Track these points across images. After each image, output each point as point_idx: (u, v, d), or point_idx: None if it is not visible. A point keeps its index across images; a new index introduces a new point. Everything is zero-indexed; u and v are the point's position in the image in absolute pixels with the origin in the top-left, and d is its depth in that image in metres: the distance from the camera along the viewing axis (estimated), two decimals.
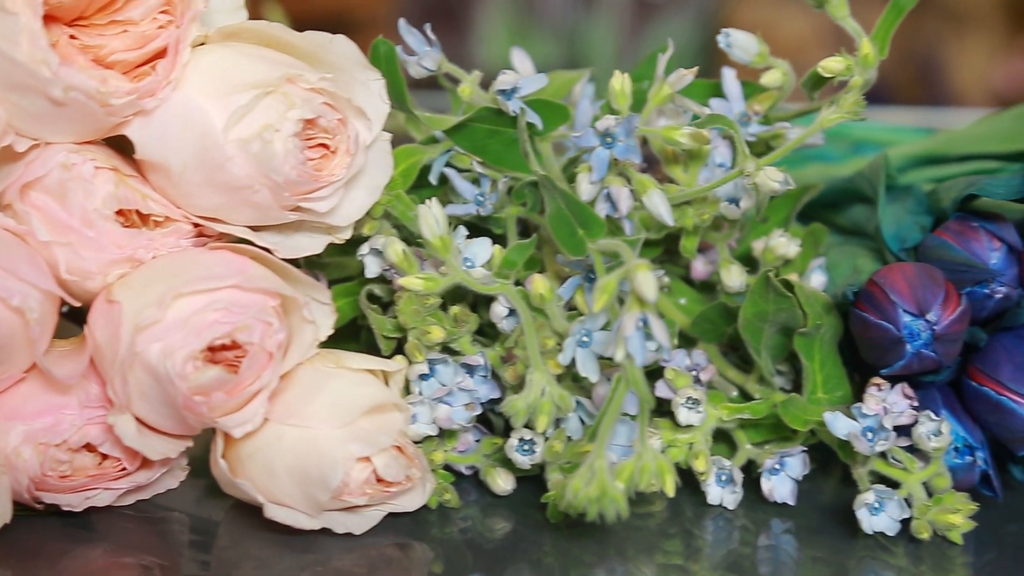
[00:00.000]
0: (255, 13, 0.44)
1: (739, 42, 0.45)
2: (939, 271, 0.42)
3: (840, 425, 0.41)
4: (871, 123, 0.62)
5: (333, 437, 0.40)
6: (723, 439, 0.45)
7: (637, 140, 0.42)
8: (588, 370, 0.41)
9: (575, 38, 2.32)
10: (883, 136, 0.58)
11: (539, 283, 0.41)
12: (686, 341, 0.47)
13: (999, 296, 0.42)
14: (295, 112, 0.40)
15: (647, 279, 0.38)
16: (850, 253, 0.47)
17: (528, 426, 0.42)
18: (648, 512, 0.44)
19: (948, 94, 2.07)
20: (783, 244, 0.46)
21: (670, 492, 0.40)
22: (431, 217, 0.41)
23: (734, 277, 0.46)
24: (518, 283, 0.43)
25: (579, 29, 2.29)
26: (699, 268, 0.48)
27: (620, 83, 0.44)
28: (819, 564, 0.42)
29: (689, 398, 0.43)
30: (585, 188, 0.42)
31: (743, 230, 0.49)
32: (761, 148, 0.48)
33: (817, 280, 0.47)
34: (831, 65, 0.43)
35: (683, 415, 0.43)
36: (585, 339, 0.41)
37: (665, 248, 0.48)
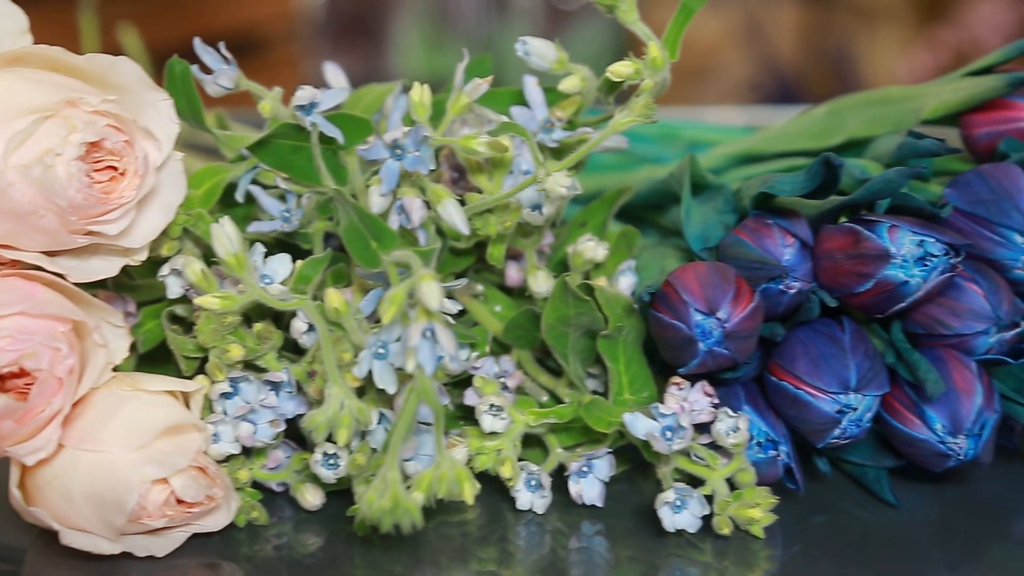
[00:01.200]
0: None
1: (537, 49, 0.46)
2: (731, 269, 0.42)
3: (639, 425, 0.42)
4: (703, 124, 0.63)
5: (128, 460, 0.40)
6: (539, 444, 0.46)
7: (431, 150, 0.43)
8: (385, 382, 0.41)
9: (489, 46, 2.33)
10: (714, 136, 0.59)
11: (333, 297, 0.41)
12: (504, 348, 0.47)
13: (793, 291, 0.43)
14: (77, 136, 0.40)
15: (431, 289, 0.38)
16: (660, 255, 0.48)
17: (332, 440, 0.42)
18: (462, 520, 0.44)
19: (861, 88, 2.09)
20: (591, 248, 0.47)
21: (469, 500, 0.40)
22: (224, 236, 0.41)
23: (540, 283, 0.46)
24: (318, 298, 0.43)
25: (493, 37, 2.30)
26: (513, 275, 0.48)
27: (419, 95, 0.44)
28: (631, 563, 0.42)
29: (492, 405, 0.43)
30: (376, 201, 0.42)
31: (558, 236, 0.49)
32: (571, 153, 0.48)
33: (626, 282, 0.47)
34: (620, 70, 0.44)
35: (487, 422, 0.43)
36: (381, 351, 0.41)
37: (480, 256, 0.48)
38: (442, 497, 0.40)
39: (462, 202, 0.45)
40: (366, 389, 0.43)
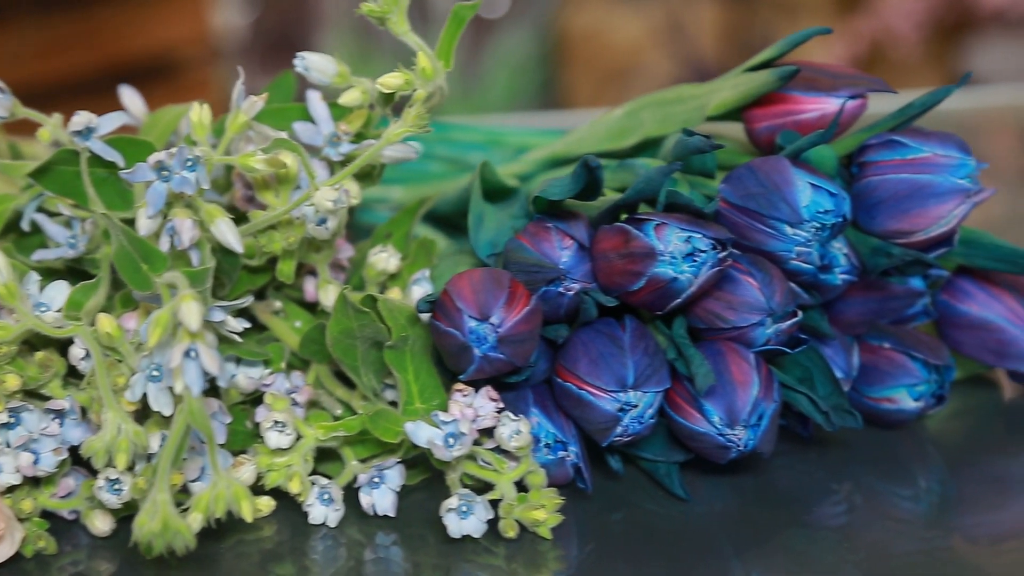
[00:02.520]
0: None
1: (316, 65, 0.46)
2: (507, 274, 0.43)
3: (421, 433, 0.42)
4: (528, 128, 0.63)
5: None
6: (340, 458, 0.46)
7: (204, 170, 0.43)
8: (160, 404, 0.41)
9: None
10: (538, 140, 0.59)
11: (105, 322, 0.41)
12: (307, 363, 0.47)
13: (571, 293, 0.43)
14: None
15: (191, 310, 0.38)
16: (455, 263, 0.48)
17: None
18: (259, 537, 0.44)
19: None
20: (383, 259, 0.47)
21: (248, 518, 0.40)
22: None
23: (331, 297, 0.46)
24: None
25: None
26: (310, 290, 0.48)
27: (198, 114, 0.45)
28: (425, 571, 0.43)
29: (276, 421, 0.43)
30: (143, 223, 0.42)
31: (360, 250, 0.50)
32: (365, 167, 0.48)
33: (419, 292, 0.47)
34: (389, 81, 0.44)
35: (273, 438, 0.43)
36: (155, 373, 0.41)
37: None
38: (220, 516, 0.40)
39: (247, 219, 0.45)
40: (151, 412, 0.43)
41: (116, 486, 0.42)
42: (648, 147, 0.50)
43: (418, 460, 0.46)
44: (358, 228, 0.58)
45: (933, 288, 0.49)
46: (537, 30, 2.40)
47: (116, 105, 0.50)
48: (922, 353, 0.47)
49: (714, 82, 0.49)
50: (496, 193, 0.50)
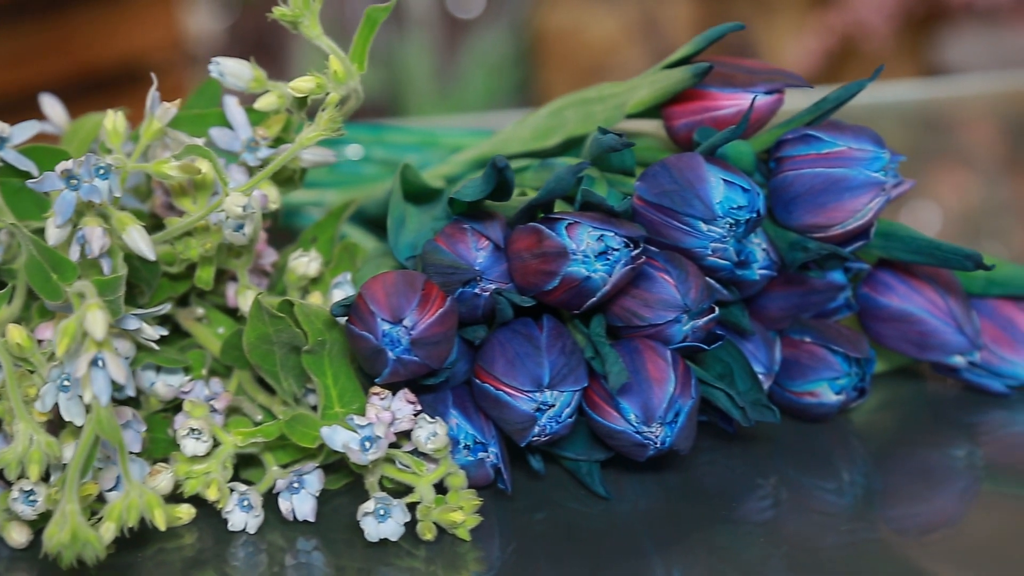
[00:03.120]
0: None
1: (231, 70, 0.46)
2: (421, 276, 0.43)
3: (337, 438, 0.42)
4: (461, 129, 0.63)
5: None
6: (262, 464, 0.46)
7: (116, 178, 0.42)
8: (72, 414, 0.41)
9: (392, 60, 2.33)
10: (470, 141, 0.59)
11: (14, 332, 0.41)
12: (230, 369, 0.47)
13: (487, 294, 0.43)
14: None
15: (96, 318, 0.38)
16: (378, 265, 0.48)
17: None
18: (179, 545, 0.44)
19: None
20: (303, 264, 0.47)
21: (161, 526, 0.40)
22: None
23: (248, 302, 0.46)
24: None
25: (395, 51, 2.30)
26: (231, 296, 0.48)
27: (112, 122, 0.44)
28: (345, 575, 0.43)
29: (192, 428, 0.43)
30: (52, 233, 0.42)
31: (285, 255, 0.49)
32: (286, 172, 0.48)
33: (340, 296, 0.47)
34: (301, 85, 0.44)
35: (189, 446, 0.43)
36: (66, 383, 0.41)
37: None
38: (132, 525, 0.40)
39: (162, 227, 0.45)
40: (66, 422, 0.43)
41: (31, 497, 0.42)
42: (573, 146, 0.50)
43: (340, 465, 0.46)
44: (296, 232, 0.58)
45: (855, 281, 0.49)
46: (513, 29, 2.40)
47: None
48: (842, 346, 0.47)
49: (634, 80, 0.49)
50: (422, 195, 0.50)
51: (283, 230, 0.58)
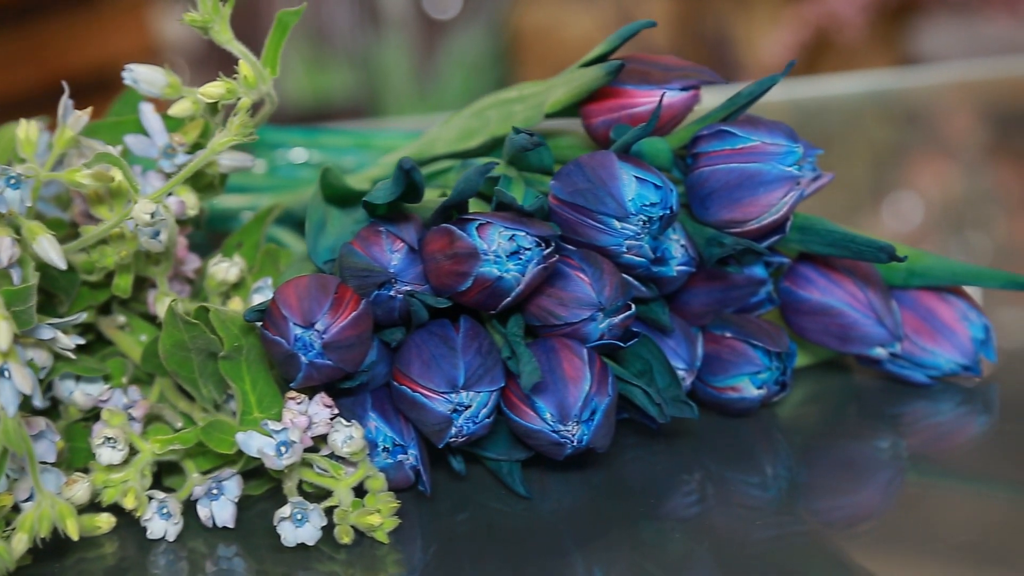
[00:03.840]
0: None
1: (144, 77, 0.46)
2: (333, 279, 0.43)
3: (252, 443, 0.42)
4: (395, 131, 0.63)
5: None
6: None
7: (27, 188, 0.42)
8: None
9: (369, 62, 2.33)
10: (402, 142, 0.59)
11: None
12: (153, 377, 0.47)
13: (402, 296, 0.43)
14: None
15: (0, 329, 0.38)
16: (299, 269, 0.48)
17: None
18: (101, 554, 0.44)
19: (741, 70, 2.12)
20: (222, 269, 0.47)
21: (74, 536, 0.40)
22: None
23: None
24: None
25: (372, 53, 2.30)
26: (151, 303, 0.48)
27: (24, 131, 0.44)
28: None
29: (107, 437, 0.43)
30: None
31: (207, 261, 0.49)
32: (206, 178, 0.48)
33: (259, 301, 0.47)
34: (210, 91, 0.44)
35: (104, 455, 0.43)
36: None
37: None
38: (45, 536, 0.40)
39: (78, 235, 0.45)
40: None
41: None
42: (497, 146, 0.50)
43: (262, 470, 0.46)
44: None
45: (777, 276, 0.49)
46: (490, 29, 2.40)
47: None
48: (762, 341, 0.47)
49: (554, 79, 0.49)
50: (345, 198, 0.50)
51: (221, 236, 0.58)
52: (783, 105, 0.99)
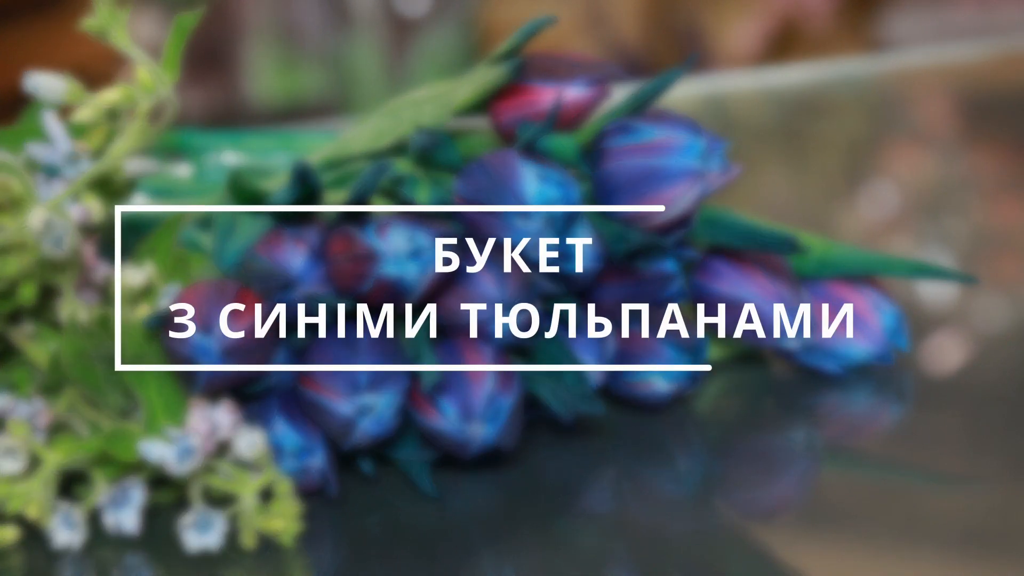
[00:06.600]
0: None
1: (44, 85, 0.46)
2: (233, 284, 0.43)
3: (154, 450, 0.42)
4: (321, 132, 0.63)
5: None
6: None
7: None
8: None
9: (340, 63, 2.33)
10: (320, 143, 0.59)
11: None
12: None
13: (305, 299, 0.43)
14: None
15: None
16: (212, 274, 0.48)
17: None
18: (6, 567, 0.44)
19: (715, 62, 2.12)
20: (128, 276, 0.47)
21: None
22: None
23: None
24: None
25: (342, 53, 2.30)
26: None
27: None
28: None
29: (6, 448, 0.43)
30: None
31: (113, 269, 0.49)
32: (115, 183, 0.48)
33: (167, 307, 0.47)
34: (108, 97, 0.44)
35: (5, 465, 0.43)
36: None
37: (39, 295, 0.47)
38: None
39: None
40: None
41: None
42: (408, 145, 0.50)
43: (173, 478, 0.45)
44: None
45: (689, 270, 0.49)
46: (461, 25, 2.40)
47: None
48: (673, 335, 0.47)
49: (462, 78, 0.49)
50: (257, 201, 0.50)
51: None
52: (754, 95, 0.99)
